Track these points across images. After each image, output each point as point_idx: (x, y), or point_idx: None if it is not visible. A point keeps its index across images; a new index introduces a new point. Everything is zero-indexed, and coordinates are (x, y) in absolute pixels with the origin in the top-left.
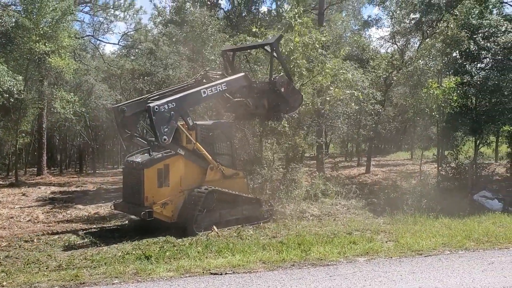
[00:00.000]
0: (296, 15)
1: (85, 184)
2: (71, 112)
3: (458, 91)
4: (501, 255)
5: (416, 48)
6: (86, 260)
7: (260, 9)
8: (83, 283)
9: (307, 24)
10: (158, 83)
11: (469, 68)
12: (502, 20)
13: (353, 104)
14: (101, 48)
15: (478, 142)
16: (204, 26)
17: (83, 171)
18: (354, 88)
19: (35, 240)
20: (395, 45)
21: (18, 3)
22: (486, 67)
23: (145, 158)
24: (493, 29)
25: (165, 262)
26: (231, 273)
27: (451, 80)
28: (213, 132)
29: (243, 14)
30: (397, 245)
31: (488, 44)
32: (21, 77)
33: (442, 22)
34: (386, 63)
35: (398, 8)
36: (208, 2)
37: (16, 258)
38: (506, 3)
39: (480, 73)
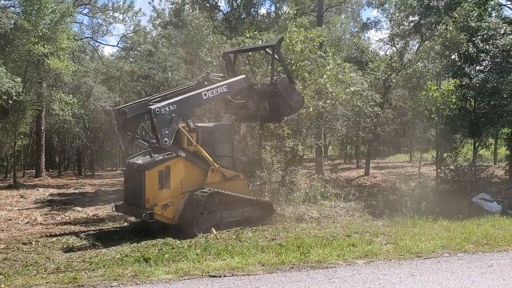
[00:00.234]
0: (292, 16)
1: (83, 186)
2: (70, 114)
3: (457, 94)
4: (500, 257)
5: (415, 50)
6: (84, 262)
7: (259, 11)
8: (81, 285)
9: (302, 23)
10: (156, 85)
11: (468, 71)
12: (501, 23)
13: (355, 99)
14: (100, 50)
15: (477, 144)
16: (199, 27)
17: (82, 173)
18: (356, 87)
19: (33, 243)
20: (394, 48)
21: (17, 5)
22: (485, 70)
23: (146, 160)
24: (492, 32)
25: (164, 265)
26: (230, 276)
27: (450, 82)
28: (214, 134)
29: (242, 16)
30: (396, 248)
31: (487, 47)
32: (19, 78)
33: (441, 24)
34: (385, 65)
35: (397, 11)
36: (207, 4)
37: (14, 260)
38: (505, 5)
39: (479, 75)
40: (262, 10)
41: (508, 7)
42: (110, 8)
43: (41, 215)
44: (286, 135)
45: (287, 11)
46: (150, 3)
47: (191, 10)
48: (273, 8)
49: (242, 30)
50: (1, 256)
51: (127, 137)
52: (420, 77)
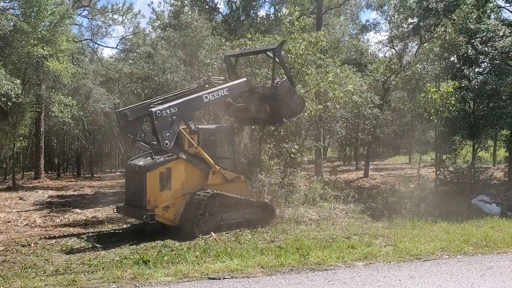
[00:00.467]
0: (294, 19)
1: (82, 188)
2: (69, 116)
3: (456, 96)
4: (499, 259)
5: (414, 52)
6: (83, 264)
7: (258, 13)
8: None
9: (304, 25)
10: (156, 88)
11: (467, 73)
12: (500, 25)
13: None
14: (99, 52)
15: (476, 146)
16: (198, 29)
17: (81, 175)
18: (354, 88)
19: (32, 245)
20: (393, 50)
21: (16, 7)
22: (484, 72)
23: (148, 162)
24: (491, 34)
25: (163, 267)
26: (229, 278)
27: (449, 84)
28: (215, 136)
29: (242, 18)
30: (395, 250)
31: (486, 49)
32: (19, 80)
33: (440, 26)
34: (384, 67)
35: (396, 13)
36: (206, 6)
37: (13, 262)
38: (504, 7)
39: (478, 77)
40: (262, 12)
41: (507, 9)
42: (110, 10)
43: (40, 217)
44: (282, 137)
45: (289, 13)
46: (149, 5)
47: (190, 12)
48: (272, 10)
49: (241, 32)
50: (0, 258)
51: (128, 140)
52: (419, 79)
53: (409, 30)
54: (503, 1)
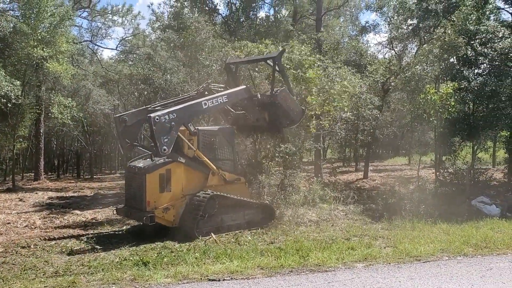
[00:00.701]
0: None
1: (82, 189)
2: (69, 117)
3: (456, 97)
4: (499, 261)
5: (414, 53)
6: (83, 266)
7: (258, 15)
8: None
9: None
10: (155, 89)
11: (467, 74)
12: (499, 26)
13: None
14: (99, 53)
15: (475, 147)
16: (198, 31)
17: (81, 176)
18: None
19: (32, 246)
20: (393, 51)
21: (16, 8)
22: (484, 73)
23: (147, 163)
24: (490, 35)
25: (163, 268)
26: (229, 279)
27: (448, 85)
28: (215, 138)
29: (241, 19)
30: (395, 251)
31: (485, 50)
32: (18, 82)
33: (439, 28)
34: (383, 68)
35: (396, 14)
36: (206, 8)
37: (13, 264)
38: (503, 9)
39: (478, 78)
40: (261, 14)
41: (506, 10)
42: (109, 12)
43: (39, 219)
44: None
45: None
46: (149, 6)
47: (190, 14)
48: (272, 12)
49: (241, 33)
50: (0, 260)
51: (126, 145)
52: (418, 80)
53: (408, 31)
54: (502, 3)
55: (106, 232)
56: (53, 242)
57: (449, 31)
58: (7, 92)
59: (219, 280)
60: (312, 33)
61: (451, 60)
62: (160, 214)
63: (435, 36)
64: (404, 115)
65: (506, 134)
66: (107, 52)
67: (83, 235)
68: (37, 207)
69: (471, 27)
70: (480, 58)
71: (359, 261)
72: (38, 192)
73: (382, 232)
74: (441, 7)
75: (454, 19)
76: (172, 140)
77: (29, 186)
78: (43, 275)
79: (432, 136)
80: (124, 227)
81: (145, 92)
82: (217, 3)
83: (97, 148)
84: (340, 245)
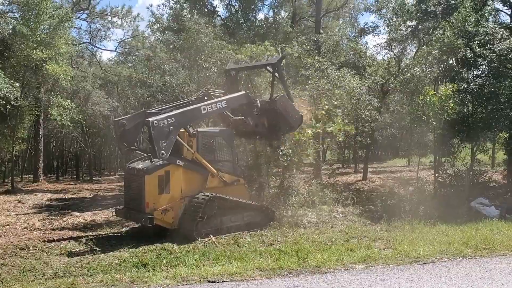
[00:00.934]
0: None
1: (81, 191)
2: (68, 119)
3: (455, 98)
4: (498, 262)
5: (413, 55)
6: (82, 267)
7: (257, 17)
8: None
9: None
10: (155, 91)
11: (466, 75)
12: (498, 28)
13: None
14: (98, 55)
15: (474, 149)
16: (198, 34)
17: (80, 178)
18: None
19: (31, 248)
20: (392, 52)
21: (15, 10)
22: (483, 75)
23: (146, 165)
24: (489, 37)
25: (162, 270)
26: (228, 281)
27: (447, 87)
28: (214, 139)
29: (241, 21)
30: (394, 253)
31: (484, 52)
32: (18, 84)
33: (438, 29)
34: (382, 70)
35: (395, 16)
36: (205, 10)
37: (12, 266)
38: (502, 11)
39: (477, 80)
40: (260, 16)
41: (505, 12)
42: (109, 13)
43: (39, 220)
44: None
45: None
46: (148, 8)
47: (189, 16)
48: (271, 14)
49: (240, 35)
50: None
51: (124, 149)
52: (417, 82)
53: (407, 33)
54: (501, 4)
55: (105, 234)
56: (52, 244)
57: (448, 33)
58: (7, 94)
59: (218, 282)
60: (311, 34)
61: (450, 61)
62: (159, 215)
63: (434, 38)
64: (403, 116)
65: (505, 136)
66: (106, 54)
67: (82, 237)
68: (36, 209)
69: (470, 29)
70: (479, 59)
71: (359, 263)
72: (37, 194)
73: (381, 234)
74: (440, 8)
75: (453, 20)
76: (171, 145)
77: (28, 188)
78: (42, 276)
79: (431, 137)
80: (123, 229)
81: (144, 94)
82: (216, 5)
83: (96, 150)
84: (339, 246)
